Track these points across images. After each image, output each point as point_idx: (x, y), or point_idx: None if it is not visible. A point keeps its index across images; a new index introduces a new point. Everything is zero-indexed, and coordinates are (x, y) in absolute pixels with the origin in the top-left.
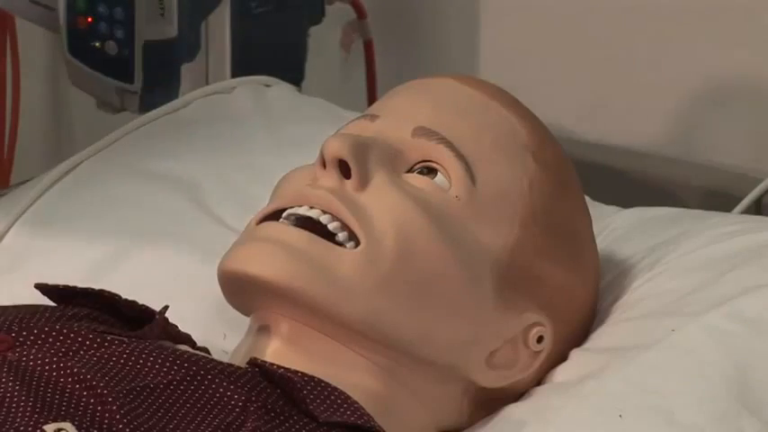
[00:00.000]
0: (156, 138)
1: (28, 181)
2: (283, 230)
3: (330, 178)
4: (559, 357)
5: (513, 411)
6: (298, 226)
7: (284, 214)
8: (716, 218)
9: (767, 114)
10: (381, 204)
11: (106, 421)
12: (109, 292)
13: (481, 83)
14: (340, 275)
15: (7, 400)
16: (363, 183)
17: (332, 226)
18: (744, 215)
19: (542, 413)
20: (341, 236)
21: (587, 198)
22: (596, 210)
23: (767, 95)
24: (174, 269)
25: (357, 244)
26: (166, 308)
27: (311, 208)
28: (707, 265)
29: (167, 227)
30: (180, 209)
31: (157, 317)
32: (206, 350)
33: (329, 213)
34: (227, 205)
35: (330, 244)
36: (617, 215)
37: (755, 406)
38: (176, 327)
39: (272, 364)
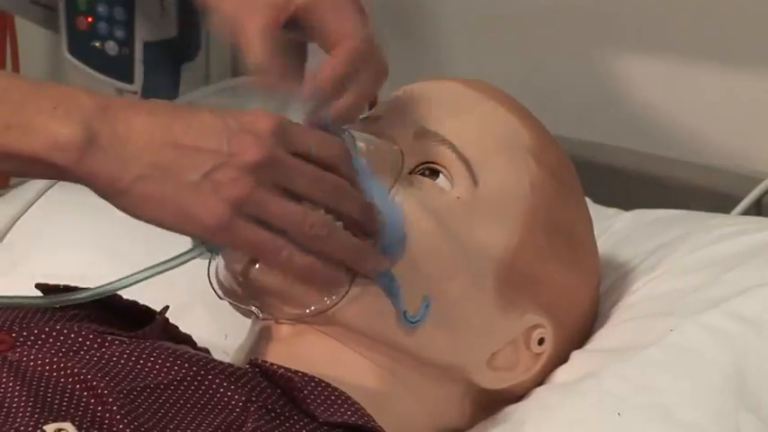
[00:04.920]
0: None
1: (28, 181)
2: None
3: None
4: (560, 359)
5: (512, 411)
6: None
7: None
8: (716, 219)
9: (767, 114)
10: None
11: (106, 421)
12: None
13: (483, 85)
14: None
15: (7, 400)
16: None
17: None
18: (744, 216)
19: (541, 412)
20: None
21: (588, 200)
22: (597, 212)
23: (767, 95)
24: (175, 268)
25: None
26: (167, 308)
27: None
28: (706, 265)
29: None
30: None
31: (158, 317)
32: (206, 351)
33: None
34: None
35: None
36: (618, 218)
37: (753, 403)
38: (177, 327)
39: (273, 364)
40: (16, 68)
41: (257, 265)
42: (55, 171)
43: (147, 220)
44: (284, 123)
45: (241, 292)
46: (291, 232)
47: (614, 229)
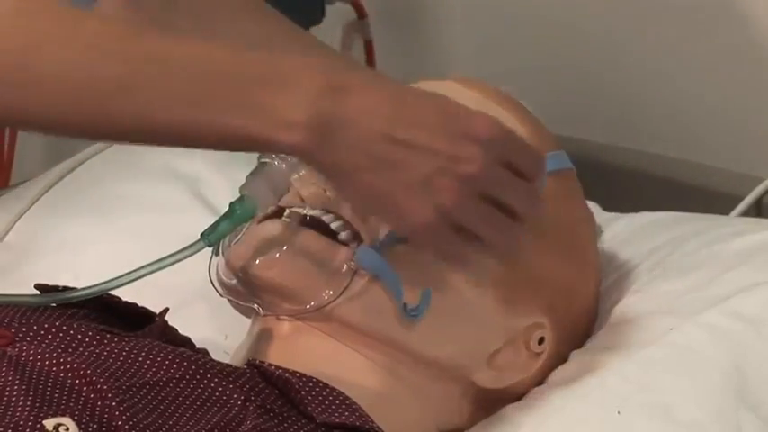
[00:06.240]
0: None
1: (28, 181)
2: (285, 229)
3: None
4: (560, 358)
5: (512, 411)
6: (300, 225)
7: (286, 213)
8: (715, 220)
9: (767, 114)
10: None
11: (105, 416)
12: (109, 294)
13: (482, 85)
14: (340, 273)
15: (6, 394)
16: None
17: (335, 225)
18: (742, 218)
19: (541, 412)
20: (343, 235)
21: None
22: (596, 216)
23: (767, 95)
24: (175, 268)
25: (359, 243)
26: (166, 310)
27: (313, 207)
28: (705, 265)
29: (169, 225)
30: (182, 206)
31: (157, 319)
32: (205, 352)
33: (332, 213)
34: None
35: (332, 242)
36: (619, 220)
37: (753, 402)
38: (176, 330)
39: (270, 365)
40: None
41: (257, 261)
42: (277, 150)
43: (359, 206)
44: (503, 131)
45: (241, 290)
46: (487, 242)
47: (615, 230)
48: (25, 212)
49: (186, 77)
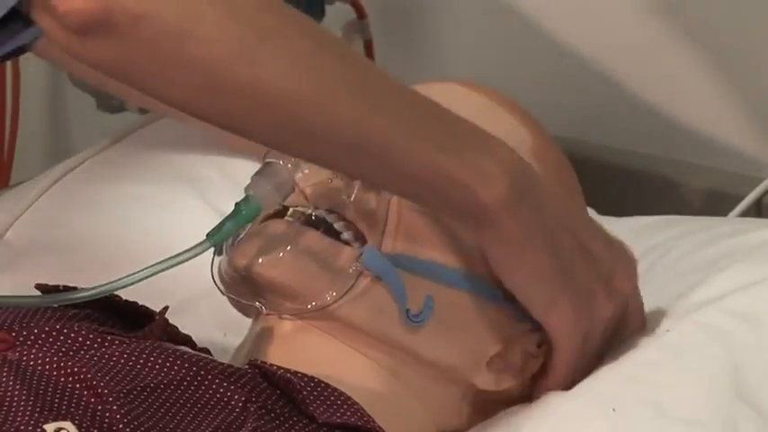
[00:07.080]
0: (158, 136)
1: (28, 181)
2: (289, 228)
3: (336, 178)
4: None
5: (509, 412)
6: (303, 224)
7: (289, 212)
8: (709, 221)
9: (767, 114)
10: (387, 205)
11: (106, 421)
12: (110, 293)
13: (482, 87)
14: (345, 274)
15: (7, 399)
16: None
17: (338, 225)
18: (737, 218)
19: (538, 412)
20: (346, 235)
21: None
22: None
23: (767, 95)
24: (176, 267)
25: (363, 243)
26: (166, 309)
27: (317, 207)
28: (700, 265)
29: (170, 224)
30: (183, 205)
31: (158, 318)
32: (207, 351)
33: (335, 213)
34: (231, 200)
35: (336, 242)
36: (612, 224)
37: (752, 399)
38: (176, 328)
39: (272, 365)
40: (16, 68)
41: (260, 260)
42: (465, 206)
43: (509, 282)
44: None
45: (244, 289)
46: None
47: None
48: (25, 212)
49: (399, 105)
